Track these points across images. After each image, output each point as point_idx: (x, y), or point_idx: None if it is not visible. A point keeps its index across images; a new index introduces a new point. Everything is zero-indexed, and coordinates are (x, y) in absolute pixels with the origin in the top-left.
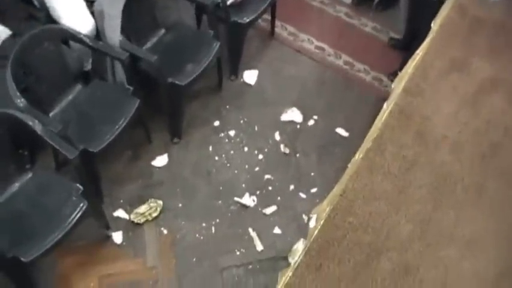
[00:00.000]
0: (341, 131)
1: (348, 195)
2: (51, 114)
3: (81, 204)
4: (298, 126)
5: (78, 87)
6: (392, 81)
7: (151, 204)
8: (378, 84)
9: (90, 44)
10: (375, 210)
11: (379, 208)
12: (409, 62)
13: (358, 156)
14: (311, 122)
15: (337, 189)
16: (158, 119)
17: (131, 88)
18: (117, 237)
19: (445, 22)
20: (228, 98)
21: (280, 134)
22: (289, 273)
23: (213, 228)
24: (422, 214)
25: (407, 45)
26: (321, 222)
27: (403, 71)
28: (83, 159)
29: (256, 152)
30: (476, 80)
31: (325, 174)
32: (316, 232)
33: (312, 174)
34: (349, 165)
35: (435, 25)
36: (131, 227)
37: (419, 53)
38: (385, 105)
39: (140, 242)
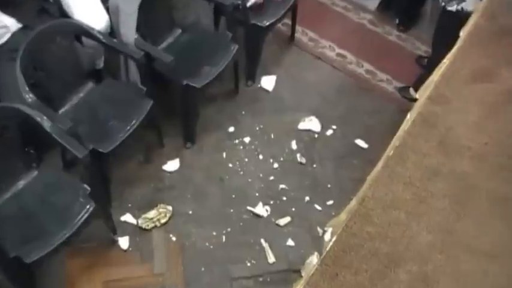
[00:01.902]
0: (360, 143)
1: (367, 204)
2: (60, 112)
3: (88, 206)
4: (315, 136)
5: (90, 85)
6: (402, 95)
7: (161, 210)
8: (401, 95)
9: (104, 41)
10: (394, 220)
11: (399, 218)
12: (435, 70)
13: (379, 165)
14: (329, 132)
15: (355, 200)
16: (171, 122)
17: (145, 88)
18: (124, 242)
19: (473, 30)
20: (244, 103)
21: (297, 143)
22: (303, 282)
23: (223, 237)
24: (443, 225)
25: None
26: (338, 231)
27: (429, 79)
28: (92, 159)
29: (271, 160)
30: (503, 89)
31: (342, 186)
32: (333, 240)
33: (329, 185)
34: (368, 177)
35: (463, 33)
36: (138, 233)
37: (445, 61)
38: (408, 115)
39: (147, 248)
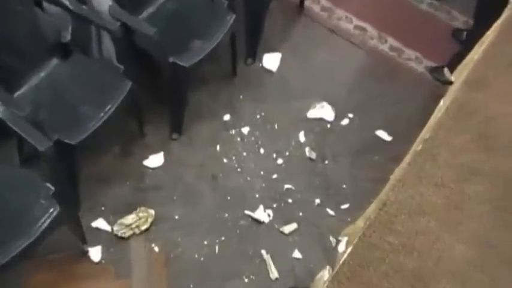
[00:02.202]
0: (382, 134)
1: (389, 209)
2: (17, 94)
3: (51, 209)
4: (328, 126)
5: (54, 61)
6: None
7: (141, 214)
8: (432, 77)
9: (71, 7)
10: (422, 229)
11: (428, 226)
12: (476, 46)
13: (405, 161)
14: (345, 121)
15: (375, 204)
16: (155, 108)
17: (122, 67)
18: (95, 253)
19: None
20: (243, 86)
21: (306, 135)
22: None
23: (216, 248)
24: (483, 237)
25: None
26: (355, 241)
27: (468, 58)
28: (57, 152)
29: (274, 155)
30: None
31: (360, 187)
32: (347, 253)
33: (344, 186)
34: (391, 177)
35: None
36: (113, 242)
37: (489, 35)
38: (441, 102)
39: (124, 261)
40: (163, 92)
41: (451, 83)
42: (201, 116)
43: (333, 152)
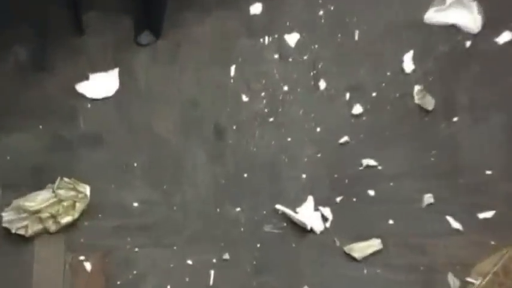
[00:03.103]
0: None
1: None
2: None
3: None
4: (467, 44)
5: None
6: None
7: (63, 193)
8: None
9: None
10: None
11: None
12: None
13: None
14: (504, 37)
15: None
16: None
17: None
18: None
19: None
20: None
21: (418, 59)
22: None
23: (211, 274)
24: None
25: None
26: (483, 282)
27: None
28: None
29: (347, 95)
30: None
31: None
32: None
33: (488, 172)
34: None
35: None
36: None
37: None
38: None
39: (20, 284)
40: None
41: None
42: (202, 2)
43: (471, 98)
